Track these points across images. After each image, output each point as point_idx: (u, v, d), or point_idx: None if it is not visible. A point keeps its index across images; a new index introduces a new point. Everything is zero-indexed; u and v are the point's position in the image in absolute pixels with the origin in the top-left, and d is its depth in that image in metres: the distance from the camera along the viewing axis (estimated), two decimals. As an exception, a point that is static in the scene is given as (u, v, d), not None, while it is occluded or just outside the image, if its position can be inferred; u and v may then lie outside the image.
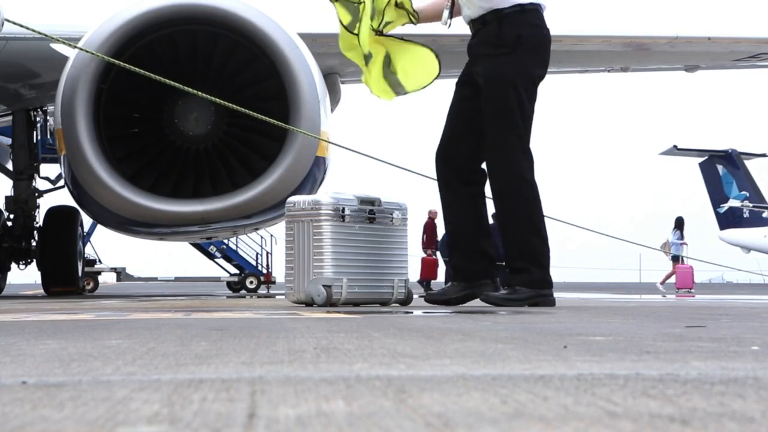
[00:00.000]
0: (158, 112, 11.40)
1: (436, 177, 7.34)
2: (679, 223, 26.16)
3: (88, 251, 24.45)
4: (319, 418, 1.38)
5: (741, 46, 14.55)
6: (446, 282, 27.66)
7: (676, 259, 25.25)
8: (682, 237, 26.01)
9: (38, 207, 15.46)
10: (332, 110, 12.16)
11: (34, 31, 8.51)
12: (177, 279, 29.26)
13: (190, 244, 24.39)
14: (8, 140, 16.06)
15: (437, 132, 7.61)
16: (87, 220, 16.68)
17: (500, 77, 7.01)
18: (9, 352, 2.65)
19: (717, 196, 43.06)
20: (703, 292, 20.75)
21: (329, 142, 10.50)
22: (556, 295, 7.12)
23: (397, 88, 7.33)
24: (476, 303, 7.14)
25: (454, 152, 7.25)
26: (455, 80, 7.44)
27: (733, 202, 42.44)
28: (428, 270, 26.25)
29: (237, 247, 27.05)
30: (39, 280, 15.76)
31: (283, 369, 2.08)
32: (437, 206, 7.76)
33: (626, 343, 2.87)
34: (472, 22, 7.20)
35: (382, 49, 7.30)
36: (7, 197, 15.40)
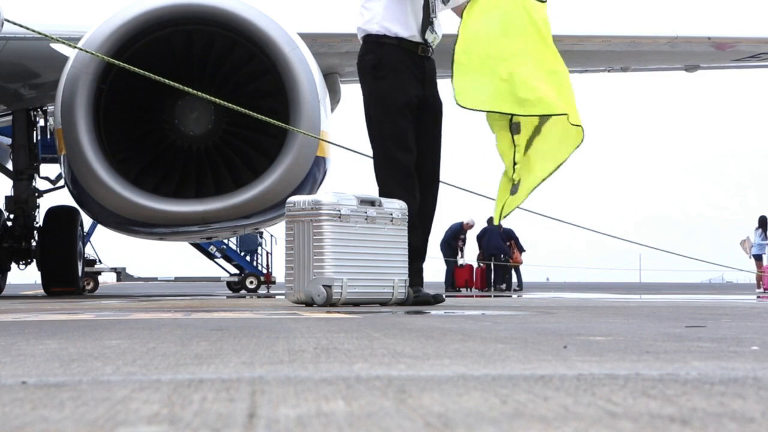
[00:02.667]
0: (158, 111, 11.40)
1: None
2: (763, 222, 25.73)
3: (88, 251, 24.43)
4: (319, 418, 1.37)
5: (741, 46, 14.55)
6: (446, 281, 27.69)
7: (758, 258, 25.15)
8: (766, 237, 25.60)
9: (38, 207, 15.45)
10: (332, 110, 12.16)
11: (34, 31, 8.51)
12: (177, 279, 29.22)
13: (190, 244, 24.38)
14: (8, 140, 16.06)
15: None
16: (87, 220, 16.67)
17: None
18: (9, 352, 2.64)
19: None
20: None
21: (329, 142, 10.50)
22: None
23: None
24: (474, 303, 7.13)
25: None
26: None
27: None
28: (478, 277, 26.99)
29: (237, 247, 27.03)
30: (39, 280, 15.75)
31: (283, 369, 2.08)
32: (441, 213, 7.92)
33: (626, 343, 2.87)
34: (431, 47, 7.64)
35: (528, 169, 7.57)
36: (7, 197, 15.39)
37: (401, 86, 7.55)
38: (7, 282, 16.30)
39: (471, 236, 27.97)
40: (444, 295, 8.10)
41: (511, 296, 16.47)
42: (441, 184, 7.94)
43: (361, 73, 7.77)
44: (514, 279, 27.60)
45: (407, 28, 7.56)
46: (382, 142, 7.61)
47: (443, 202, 7.93)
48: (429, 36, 7.57)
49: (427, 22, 7.55)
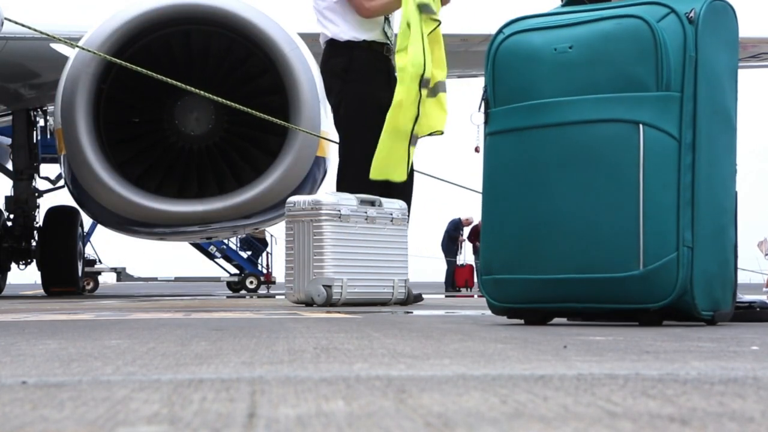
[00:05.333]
0: (158, 112, 11.40)
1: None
2: None
3: (88, 251, 24.44)
4: (319, 418, 1.38)
5: (741, 46, 14.55)
6: (446, 281, 27.69)
7: None
8: None
9: (38, 207, 15.46)
10: (332, 110, 12.16)
11: (34, 30, 8.51)
12: (177, 279, 29.22)
13: (190, 244, 24.39)
14: (8, 140, 16.07)
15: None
16: (87, 220, 16.68)
17: None
18: (9, 352, 2.64)
19: None
20: None
21: (329, 140, 10.49)
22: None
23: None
24: (474, 303, 7.12)
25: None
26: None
27: None
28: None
29: (237, 247, 27.04)
30: (39, 280, 15.76)
31: (283, 369, 2.08)
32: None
33: (626, 343, 2.87)
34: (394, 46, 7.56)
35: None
36: (7, 197, 15.40)
37: (373, 89, 7.50)
38: (7, 282, 16.31)
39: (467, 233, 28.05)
40: (423, 295, 8.03)
41: None
42: (431, 179, 7.92)
43: (329, 77, 7.70)
44: None
45: (373, 31, 7.53)
46: (351, 144, 7.57)
47: (437, 200, 7.93)
48: (388, 31, 7.55)
49: (385, 20, 7.54)
